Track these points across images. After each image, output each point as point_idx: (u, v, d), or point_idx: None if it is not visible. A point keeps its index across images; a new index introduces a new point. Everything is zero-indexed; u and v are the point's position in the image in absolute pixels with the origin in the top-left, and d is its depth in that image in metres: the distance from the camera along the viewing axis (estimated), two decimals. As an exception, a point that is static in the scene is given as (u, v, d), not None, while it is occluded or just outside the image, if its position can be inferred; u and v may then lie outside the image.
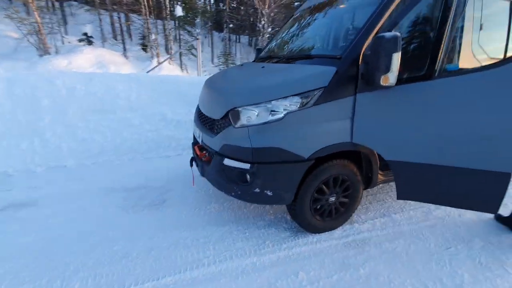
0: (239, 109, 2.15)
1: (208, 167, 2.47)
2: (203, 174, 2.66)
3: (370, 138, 2.20)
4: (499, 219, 2.74)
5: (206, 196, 3.05)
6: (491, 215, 2.79)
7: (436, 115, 2.05)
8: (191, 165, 2.89)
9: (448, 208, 2.88)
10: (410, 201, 3.00)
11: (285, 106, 2.08)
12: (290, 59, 2.70)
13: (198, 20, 9.88)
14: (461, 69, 2.20)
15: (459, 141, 2.06)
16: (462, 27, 2.21)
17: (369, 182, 2.55)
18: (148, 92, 4.97)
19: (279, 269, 2.06)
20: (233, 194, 2.30)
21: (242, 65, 3.29)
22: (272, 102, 2.09)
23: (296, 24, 3.24)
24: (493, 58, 2.30)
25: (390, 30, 2.01)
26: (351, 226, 2.58)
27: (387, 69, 1.84)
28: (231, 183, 2.26)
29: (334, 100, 2.09)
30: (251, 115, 2.12)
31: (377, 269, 2.10)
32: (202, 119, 2.73)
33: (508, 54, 2.31)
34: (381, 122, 2.15)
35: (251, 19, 22.61)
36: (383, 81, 1.88)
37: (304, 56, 2.60)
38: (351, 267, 2.10)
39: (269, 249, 2.26)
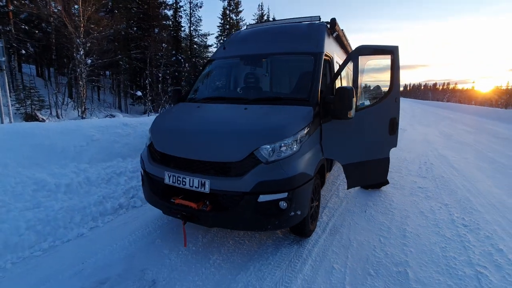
0: (268, 146, 2.30)
1: (224, 213, 2.30)
2: (213, 224, 2.36)
3: (331, 151, 3.00)
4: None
5: (203, 253, 2.58)
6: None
7: (358, 133, 3.20)
8: (185, 222, 2.42)
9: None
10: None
11: (300, 138, 2.43)
12: (261, 100, 2.98)
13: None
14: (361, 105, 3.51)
15: (368, 145, 3.32)
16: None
17: (322, 183, 3.35)
18: (-8, 154, 3.18)
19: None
20: (269, 227, 2.33)
21: (199, 106, 3.08)
22: (292, 136, 2.38)
23: (235, 70, 3.62)
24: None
25: (331, 82, 2.96)
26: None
27: (350, 107, 2.70)
28: (267, 217, 2.29)
29: (314, 130, 2.73)
30: (280, 150, 2.31)
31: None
32: (195, 166, 2.40)
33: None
34: (334, 140, 3.00)
35: (53, 47, 18.29)
36: (349, 115, 2.71)
37: (276, 98, 3.00)
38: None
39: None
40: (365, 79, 3.44)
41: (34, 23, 17.51)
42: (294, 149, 2.40)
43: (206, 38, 33.78)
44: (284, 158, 2.34)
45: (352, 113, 2.73)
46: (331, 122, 2.96)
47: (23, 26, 15.92)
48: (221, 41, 34.76)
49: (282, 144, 2.35)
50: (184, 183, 2.42)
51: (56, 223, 2.94)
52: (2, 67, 6.85)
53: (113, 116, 15.26)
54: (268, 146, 2.31)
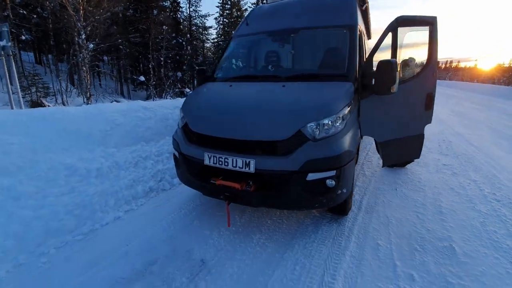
0: (316, 123, 2.23)
1: (270, 193, 2.26)
2: (259, 203, 2.33)
3: (368, 129, 2.91)
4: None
5: (244, 233, 2.58)
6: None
7: (396, 109, 3.10)
8: (229, 203, 2.39)
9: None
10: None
11: (344, 115, 2.34)
12: (296, 77, 2.85)
13: (5, 28, 6.52)
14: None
15: (405, 122, 3.22)
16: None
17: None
18: (21, 139, 3.12)
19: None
20: (317, 205, 2.31)
21: (231, 85, 2.96)
22: (338, 113, 2.29)
23: (262, 47, 3.46)
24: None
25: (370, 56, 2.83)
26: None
27: (393, 81, 2.57)
28: (315, 196, 2.25)
29: (354, 107, 2.63)
30: (327, 127, 2.23)
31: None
32: (238, 146, 2.34)
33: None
34: (371, 117, 2.90)
35: (51, 33, 17.76)
36: (391, 90, 2.60)
37: (312, 75, 2.87)
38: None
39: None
40: (400, 52, 3.29)
41: (30, 7, 16.90)
42: (341, 126, 2.32)
43: (206, 19, 32.79)
44: (332, 135, 2.27)
45: (395, 87, 2.62)
46: (369, 98, 2.85)
47: (21, 11, 15.38)
48: (221, 22, 33.73)
49: (329, 121, 2.26)
50: (226, 163, 2.37)
51: (92, 207, 2.92)
52: (9, 52, 6.63)
53: (118, 102, 15.09)
54: (316, 123, 2.22)
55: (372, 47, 2.90)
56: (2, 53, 6.91)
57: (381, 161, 3.51)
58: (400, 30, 2.99)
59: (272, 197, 2.28)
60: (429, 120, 3.41)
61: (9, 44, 6.66)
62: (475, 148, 5.84)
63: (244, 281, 2.06)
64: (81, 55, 13.67)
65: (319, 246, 2.45)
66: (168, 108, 5.22)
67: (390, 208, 3.16)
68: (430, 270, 2.18)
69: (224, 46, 3.71)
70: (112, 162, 3.52)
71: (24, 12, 15.90)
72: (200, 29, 34.43)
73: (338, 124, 2.31)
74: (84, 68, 13.82)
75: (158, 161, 4.04)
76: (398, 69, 2.67)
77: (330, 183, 2.24)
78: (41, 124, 3.40)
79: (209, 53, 37.84)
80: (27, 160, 2.96)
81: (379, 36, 2.98)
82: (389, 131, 3.14)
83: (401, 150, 3.36)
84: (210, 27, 33.52)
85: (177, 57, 26.63)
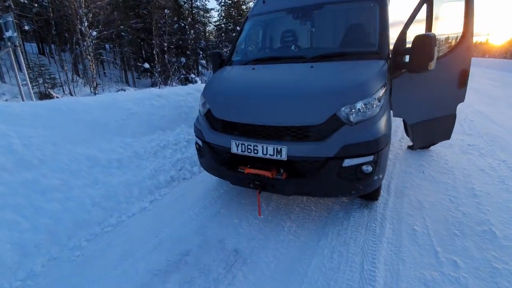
0: (351, 106, 2.10)
1: (304, 180, 2.18)
2: (291, 192, 2.25)
3: (400, 110, 2.76)
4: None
5: (273, 221, 2.53)
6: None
7: (429, 88, 2.91)
8: (260, 191, 2.32)
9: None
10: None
11: (380, 96, 2.19)
12: (323, 57, 2.66)
13: (10, 18, 6.32)
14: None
15: (437, 101, 3.05)
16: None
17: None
18: (40, 132, 3.06)
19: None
20: (353, 192, 2.22)
21: (254, 68, 2.81)
22: (374, 94, 2.15)
23: (282, 26, 3.25)
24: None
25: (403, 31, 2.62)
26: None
27: (431, 58, 2.38)
28: (351, 182, 2.15)
29: (388, 85, 2.44)
30: (363, 110, 2.10)
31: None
32: (268, 133, 2.23)
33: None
34: (403, 97, 2.74)
35: (52, 22, 17.44)
36: (429, 67, 2.41)
37: (341, 53, 2.67)
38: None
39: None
40: (436, 26, 3.06)
41: (30, -4, 16.54)
42: (377, 108, 2.18)
43: (208, 0, 31.72)
44: (368, 118, 2.13)
45: (432, 64, 2.44)
46: (401, 77, 2.68)
47: (22, 0, 15.03)
48: (222, 3, 32.62)
49: (366, 104, 2.12)
50: (256, 151, 2.27)
51: (117, 198, 2.89)
52: (16, 43, 6.49)
53: (124, 90, 14.95)
54: (352, 106, 2.09)
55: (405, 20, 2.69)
56: (9, 44, 6.79)
57: (403, 144, 3.38)
58: (436, 1, 2.76)
59: (305, 184, 2.19)
60: (462, 99, 3.22)
61: (15, 34, 6.51)
62: (499, 126, 5.62)
63: (282, 271, 2.02)
64: (84, 43, 13.43)
65: (354, 233, 2.39)
66: (181, 95, 5.09)
67: (420, 192, 3.06)
68: (473, 256, 2.10)
69: (240, 27, 3.51)
70: (132, 152, 3.46)
71: (25, 1, 15.55)
72: (202, 12, 33.45)
73: (374, 106, 2.16)
74: (88, 57, 13.62)
75: (177, 150, 3.97)
76: (436, 44, 2.47)
77: (367, 169, 2.13)
78: (58, 116, 3.33)
79: (211, 36, 36.94)
80: (48, 153, 2.92)
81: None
82: (421, 112, 2.98)
83: (432, 132, 3.21)
84: (212, 9, 32.38)
85: (180, 42, 26.06)
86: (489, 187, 3.12)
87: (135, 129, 3.85)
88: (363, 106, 2.11)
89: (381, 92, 2.24)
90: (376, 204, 2.83)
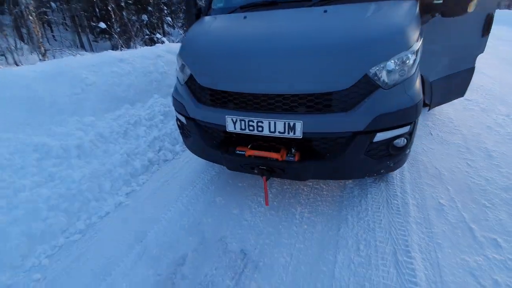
0: (387, 63, 1.58)
1: (323, 161, 1.73)
2: (308, 176, 1.81)
3: (422, 66, 2.30)
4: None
5: (281, 207, 2.13)
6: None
7: (452, 37, 2.48)
8: (267, 179, 1.86)
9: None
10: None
11: (417, 49, 1.68)
12: None
13: None
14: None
15: (457, 53, 2.62)
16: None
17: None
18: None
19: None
20: (382, 171, 1.85)
21: (246, 17, 2.11)
22: (412, 47, 1.64)
23: None
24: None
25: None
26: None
27: None
28: (381, 160, 1.75)
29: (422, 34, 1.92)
30: (402, 68, 1.61)
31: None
32: (276, 104, 1.69)
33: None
34: (429, 49, 2.26)
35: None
36: (469, 8, 1.91)
37: None
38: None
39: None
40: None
41: None
42: (414, 65, 1.68)
43: None
44: (407, 78, 1.64)
45: (473, 5, 1.94)
46: (429, 22, 2.16)
47: None
48: None
49: (404, 59, 1.61)
50: (260, 128, 1.74)
51: (83, 196, 2.31)
52: None
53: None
54: (387, 63, 1.57)
55: None
56: None
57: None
58: None
59: (325, 166, 1.75)
60: (482, 49, 2.82)
61: None
62: (491, 79, 5.46)
63: (304, 274, 1.66)
64: (24, 1, 11.07)
65: (376, 215, 2.06)
66: (149, 58, 4.22)
67: (434, 157, 2.77)
68: (512, 230, 1.87)
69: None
70: (95, 135, 2.78)
71: None
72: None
73: (412, 62, 1.66)
74: (30, 18, 11.37)
75: (152, 127, 3.32)
76: None
77: (401, 142, 1.72)
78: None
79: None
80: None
81: None
82: (441, 66, 2.55)
83: (450, 89, 2.83)
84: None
85: (139, -4, 22.78)
86: (502, 146, 2.91)
87: (96, 104, 3.10)
88: (401, 62, 1.60)
89: (419, 43, 1.73)
90: (392, 176, 2.50)
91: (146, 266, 1.78)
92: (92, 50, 22.04)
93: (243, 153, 1.89)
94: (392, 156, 1.74)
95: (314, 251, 1.79)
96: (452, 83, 2.75)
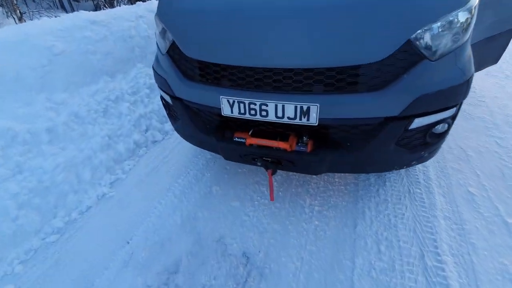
0: (436, 26, 1.16)
1: (342, 153, 1.40)
2: (323, 169, 1.50)
3: None
4: None
5: (287, 199, 1.86)
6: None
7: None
8: (273, 173, 1.55)
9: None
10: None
11: (474, 6, 1.25)
12: None
13: None
14: None
15: (499, 11, 2.16)
16: None
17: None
18: None
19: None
20: (413, 163, 1.53)
21: None
22: (468, 3, 1.21)
23: None
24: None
25: None
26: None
27: None
28: (415, 151, 1.42)
29: None
30: (454, 32, 1.20)
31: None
32: (286, 82, 1.31)
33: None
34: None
35: None
36: None
37: None
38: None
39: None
40: None
41: None
42: (470, 27, 1.27)
43: None
44: (459, 46, 1.24)
45: None
46: None
47: None
48: None
49: (458, 19, 1.19)
50: (264, 113, 1.37)
51: (59, 189, 2.00)
52: None
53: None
54: (436, 25, 1.15)
55: None
56: None
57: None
58: None
59: (345, 159, 1.42)
60: None
61: None
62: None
63: (318, 283, 1.42)
64: None
65: (397, 208, 1.79)
66: (128, 20, 3.61)
67: (459, 135, 2.45)
68: (555, 226, 1.63)
69: None
70: (69, 115, 2.39)
71: None
72: None
73: (467, 23, 1.25)
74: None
75: (137, 103, 2.91)
76: None
77: (442, 128, 1.37)
78: None
79: None
80: None
81: None
82: (484, 27, 2.10)
83: (486, 54, 2.41)
84: None
85: None
86: (534, 120, 2.59)
87: (68, 78, 2.65)
88: (455, 24, 1.19)
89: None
90: (412, 159, 2.21)
91: (134, 274, 1.54)
92: (73, 10, 20.24)
93: (242, 140, 1.55)
94: (428, 145, 1.41)
95: (328, 254, 1.55)
96: (490, 47, 2.32)
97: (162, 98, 1.91)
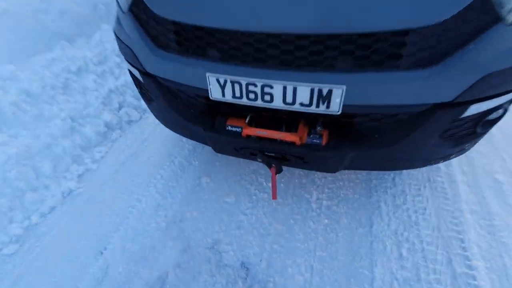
0: None
1: (369, 146, 1.08)
2: (340, 166, 1.20)
3: None
4: None
5: (289, 193, 1.59)
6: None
7: None
8: (277, 171, 1.24)
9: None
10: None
11: None
12: None
13: None
14: None
15: None
16: None
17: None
18: None
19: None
20: (452, 157, 1.25)
21: None
22: None
23: None
24: None
25: None
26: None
27: None
28: (460, 142, 1.13)
29: None
30: None
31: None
32: (298, 54, 0.92)
33: None
34: None
35: None
36: None
37: None
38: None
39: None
40: None
41: None
42: None
43: None
44: None
45: None
46: None
47: None
48: None
49: None
50: (268, 97, 1.01)
51: (12, 187, 1.64)
52: None
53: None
54: None
55: None
56: None
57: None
58: None
59: (371, 155, 1.12)
60: None
61: None
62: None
63: (331, 300, 1.22)
64: None
65: (417, 201, 1.56)
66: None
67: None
68: None
69: None
70: (18, 93, 1.92)
71: None
72: None
73: None
74: None
75: (105, 74, 2.42)
76: None
77: (497, 114, 1.07)
78: None
79: None
80: None
81: None
82: None
83: None
84: None
85: None
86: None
87: (13, 45, 2.10)
88: None
89: None
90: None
91: (111, 295, 1.28)
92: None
93: (238, 130, 1.21)
94: (476, 135, 1.11)
95: (342, 262, 1.32)
96: None
97: (130, 72, 1.48)
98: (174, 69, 1.14)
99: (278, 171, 1.24)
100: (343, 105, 0.96)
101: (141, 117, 2.37)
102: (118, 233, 1.51)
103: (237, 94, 1.04)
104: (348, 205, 1.56)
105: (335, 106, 0.96)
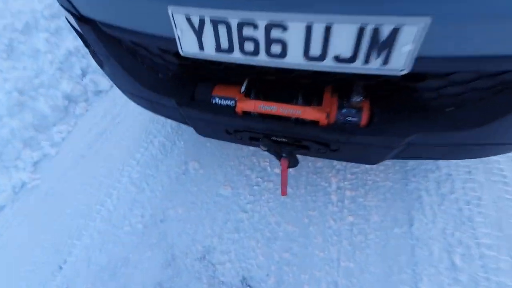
0: None
1: (434, 127, 0.67)
2: (384, 157, 0.80)
3: None
4: None
5: (308, 177, 1.23)
6: None
7: None
8: (290, 165, 0.84)
9: None
10: None
11: None
12: None
13: None
14: None
15: None
16: None
17: None
18: None
19: None
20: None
21: None
22: None
23: None
24: None
25: None
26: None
27: None
28: None
29: None
30: None
31: None
32: None
33: None
34: None
35: None
36: None
37: None
38: None
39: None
40: None
41: None
42: None
43: None
44: None
45: None
46: None
47: None
48: None
49: None
50: (277, 48, 0.57)
51: None
52: None
53: None
54: None
55: None
56: None
57: None
58: None
59: (444, 140, 0.71)
60: None
61: None
62: None
63: (364, 331, 0.92)
64: None
65: (468, 188, 1.19)
66: None
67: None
68: None
69: None
70: None
71: None
72: None
73: None
74: None
75: (60, 31, 1.90)
76: None
77: None
78: None
79: None
80: None
81: None
82: None
83: None
84: None
85: None
86: None
87: None
88: None
89: None
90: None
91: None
92: None
93: (230, 103, 0.79)
94: None
95: (376, 275, 1.00)
96: None
97: (68, 22, 1.01)
98: (117, 7, 0.69)
99: (292, 164, 0.84)
100: (417, 58, 0.53)
101: (112, 86, 1.91)
102: (81, 241, 1.18)
103: (224, 44, 0.61)
104: (379, 196, 1.20)
105: (400, 60, 0.54)
